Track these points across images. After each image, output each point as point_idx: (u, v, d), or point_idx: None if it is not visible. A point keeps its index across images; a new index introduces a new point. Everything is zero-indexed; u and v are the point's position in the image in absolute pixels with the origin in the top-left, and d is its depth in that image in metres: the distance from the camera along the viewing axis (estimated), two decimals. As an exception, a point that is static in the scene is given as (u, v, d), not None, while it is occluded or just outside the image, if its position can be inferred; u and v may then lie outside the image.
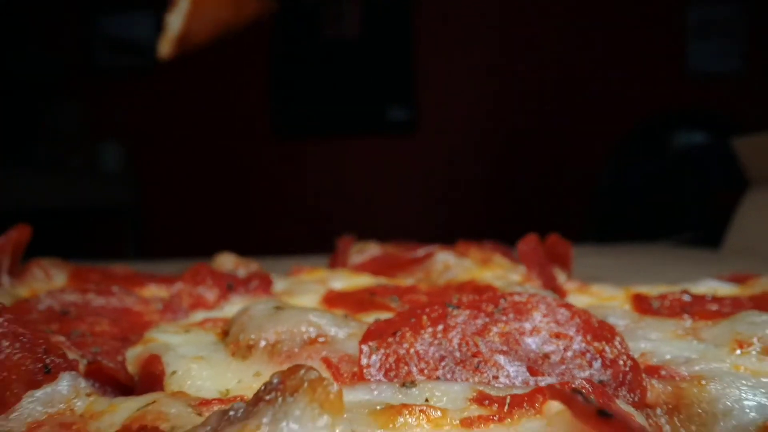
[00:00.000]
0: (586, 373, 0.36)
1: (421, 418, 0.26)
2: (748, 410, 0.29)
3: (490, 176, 4.14)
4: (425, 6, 4.12)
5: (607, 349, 0.37)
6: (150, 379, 0.37)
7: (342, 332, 0.40)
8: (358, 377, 0.35)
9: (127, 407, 0.29)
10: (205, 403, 0.29)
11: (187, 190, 4.27)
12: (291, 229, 4.11)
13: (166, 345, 0.41)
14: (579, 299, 0.63)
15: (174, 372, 0.36)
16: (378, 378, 0.34)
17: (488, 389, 0.31)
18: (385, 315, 0.46)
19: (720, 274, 0.75)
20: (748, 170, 1.68)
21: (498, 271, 0.78)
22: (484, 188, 4.14)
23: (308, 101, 4.22)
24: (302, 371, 0.23)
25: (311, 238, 3.12)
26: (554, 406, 0.27)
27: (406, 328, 0.37)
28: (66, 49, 4.18)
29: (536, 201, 4.07)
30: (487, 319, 0.39)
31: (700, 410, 0.30)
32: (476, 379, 0.35)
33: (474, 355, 0.36)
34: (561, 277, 0.75)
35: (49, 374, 0.30)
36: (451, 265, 0.80)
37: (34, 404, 0.28)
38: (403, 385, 0.32)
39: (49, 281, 0.69)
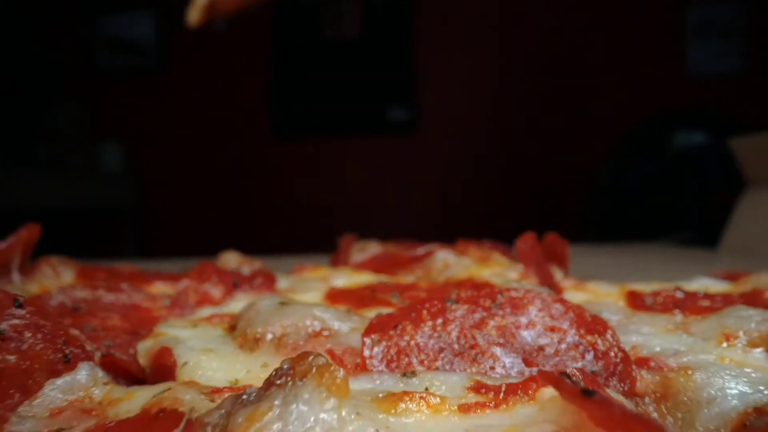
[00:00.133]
0: (579, 364, 0.37)
1: (421, 404, 0.28)
2: (730, 398, 0.31)
3: (490, 176, 4.15)
4: (425, 6, 4.13)
5: (599, 341, 0.39)
6: (162, 370, 0.39)
7: (345, 326, 0.42)
8: (361, 368, 0.37)
9: (143, 395, 0.30)
10: (217, 391, 0.31)
11: (187, 190, 4.28)
12: (291, 229, 4.13)
13: (176, 338, 0.43)
14: (575, 296, 0.65)
15: (185, 363, 0.37)
16: (380, 369, 0.36)
17: (485, 379, 0.33)
18: (386, 310, 0.47)
19: (713, 272, 0.77)
20: (746, 170, 1.70)
21: (496, 269, 0.80)
22: (484, 188, 4.15)
23: (308, 101, 4.23)
24: (311, 357, 0.24)
25: (311, 238, 3.14)
26: (547, 393, 0.29)
27: (406, 321, 0.39)
28: (66, 49, 4.19)
29: (536, 201, 4.08)
30: (485, 314, 0.40)
31: (685, 398, 0.32)
32: (474, 369, 0.36)
33: (472, 347, 0.38)
34: (558, 274, 0.76)
35: (69, 364, 0.32)
36: (450, 263, 0.81)
37: (55, 392, 0.30)
38: (404, 375, 0.34)
39: (58, 278, 0.70)
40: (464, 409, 0.28)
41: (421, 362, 0.37)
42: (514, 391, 0.30)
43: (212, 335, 0.45)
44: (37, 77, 4.00)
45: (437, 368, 0.36)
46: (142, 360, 0.42)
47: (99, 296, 0.53)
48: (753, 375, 0.33)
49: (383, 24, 4.20)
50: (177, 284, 0.63)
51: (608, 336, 0.39)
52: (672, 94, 3.99)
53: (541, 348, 0.39)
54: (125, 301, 0.55)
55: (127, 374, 0.40)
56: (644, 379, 0.35)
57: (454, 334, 0.39)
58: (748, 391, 0.31)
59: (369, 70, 4.21)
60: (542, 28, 4.09)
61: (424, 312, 0.40)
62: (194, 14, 0.87)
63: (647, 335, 0.43)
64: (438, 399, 0.29)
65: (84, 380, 0.31)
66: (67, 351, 0.32)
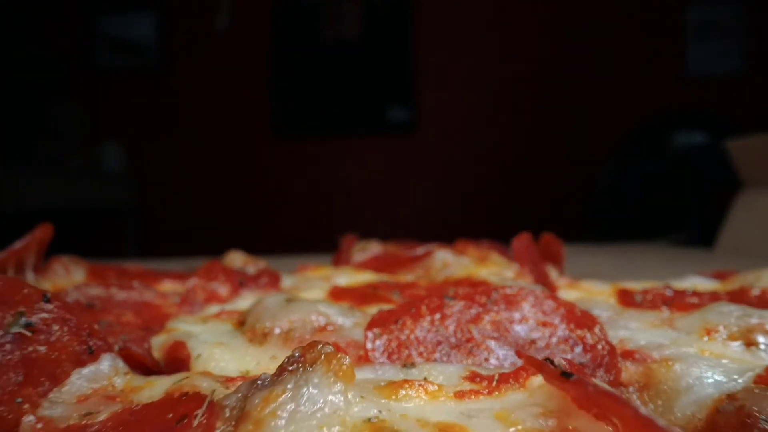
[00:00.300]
0: (569, 357, 0.40)
1: (419, 390, 0.30)
2: (706, 386, 0.33)
3: (489, 176, 4.17)
4: (425, 6, 4.14)
5: (587, 335, 0.41)
6: (176, 362, 0.41)
7: (348, 321, 0.44)
8: (364, 360, 0.39)
9: (162, 383, 0.33)
10: (231, 379, 0.33)
11: (188, 190, 4.29)
12: (291, 229, 4.14)
13: (188, 333, 0.45)
14: (569, 294, 0.67)
15: (199, 355, 0.40)
16: (381, 360, 0.39)
17: (480, 369, 0.35)
18: (387, 307, 0.50)
19: (703, 271, 0.79)
20: (741, 172, 1.72)
21: (494, 268, 0.82)
22: (484, 188, 4.17)
23: (308, 101, 4.25)
24: (320, 346, 0.27)
25: (311, 238, 3.16)
26: (536, 381, 0.31)
27: (406, 316, 0.41)
28: (66, 50, 4.20)
29: (536, 201, 4.10)
30: (480, 309, 0.43)
31: (666, 387, 0.34)
32: (469, 361, 0.39)
33: (468, 341, 0.40)
34: (553, 273, 0.79)
35: (92, 355, 0.34)
36: (449, 262, 0.84)
37: (81, 380, 0.32)
38: (404, 366, 0.36)
39: (69, 277, 0.73)
40: (459, 395, 0.30)
41: (420, 354, 0.39)
42: (506, 379, 0.32)
43: (222, 330, 0.47)
44: (38, 77, 4.01)
45: (435, 360, 0.39)
46: (157, 353, 0.44)
47: (112, 294, 0.56)
48: (729, 365, 0.36)
49: (383, 24, 4.22)
50: (185, 282, 0.65)
51: (596, 330, 0.41)
52: (672, 95, 4.01)
53: (533, 341, 0.41)
54: (137, 298, 0.57)
55: (141, 367, 0.43)
56: (629, 370, 0.37)
57: (451, 328, 0.41)
58: (723, 380, 0.34)
59: (369, 70, 4.23)
60: (542, 29, 4.10)
61: (423, 308, 0.42)
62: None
63: (634, 330, 0.45)
64: (435, 386, 0.31)
65: (107, 370, 0.34)
66: (91, 343, 0.34)
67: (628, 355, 0.40)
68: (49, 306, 0.33)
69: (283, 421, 0.24)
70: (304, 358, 0.26)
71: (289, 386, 0.25)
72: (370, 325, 0.41)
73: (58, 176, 3.62)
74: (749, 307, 0.46)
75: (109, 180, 4.07)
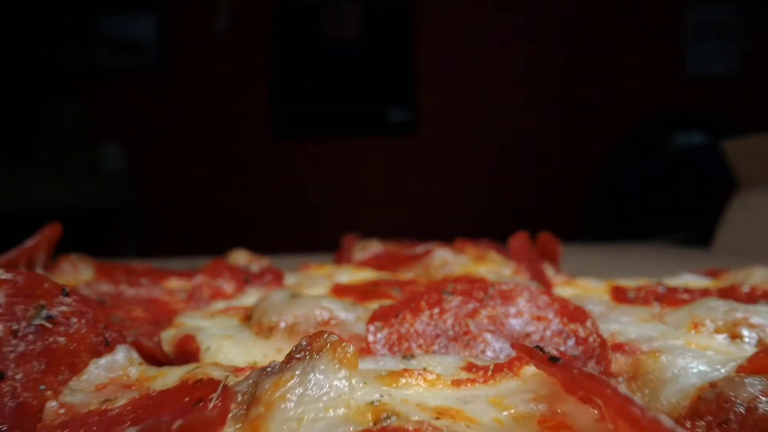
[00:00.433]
0: (562, 349, 0.41)
1: (419, 379, 0.32)
2: (691, 376, 0.35)
3: (489, 176, 4.19)
4: (425, 6, 4.16)
5: (580, 329, 0.43)
6: (186, 355, 0.43)
7: (351, 316, 0.46)
8: (365, 352, 0.41)
9: (174, 373, 0.35)
10: (239, 369, 0.35)
11: (188, 190, 4.30)
12: (291, 229, 4.16)
13: (197, 327, 0.47)
14: (564, 290, 0.69)
15: (208, 348, 0.42)
16: (383, 352, 0.40)
17: (476, 360, 0.37)
18: (388, 303, 0.52)
19: (696, 269, 0.81)
20: (738, 172, 1.74)
21: (492, 266, 0.84)
22: (484, 188, 4.19)
23: (309, 102, 4.26)
24: (326, 335, 0.29)
25: (311, 237, 3.18)
26: (529, 370, 0.33)
27: (407, 311, 0.43)
28: (67, 50, 4.20)
29: (536, 201, 4.11)
30: (478, 304, 0.45)
31: (653, 377, 0.36)
32: (467, 353, 0.41)
33: (465, 334, 0.42)
34: (550, 271, 0.81)
35: (108, 346, 0.36)
36: (448, 261, 0.85)
37: (98, 370, 0.34)
38: (404, 357, 0.38)
39: (77, 274, 0.74)
40: (456, 383, 0.32)
41: (420, 347, 0.41)
42: (500, 369, 0.34)
43: (229, 325, 0.49)
44: (38, 77, 4.01)
45: (434, 352, 0.40)
46: (167, 347, 0.46)
47: (121, 291, 0.58)
48: (714, 357, 0.38)
49: (383, 24, 4.23)
50: (191, 280, 0.67)
51: (588, 324, 0.43)
52: (671, 95, 4.02)
53: (528, 335, 0.43)
54: (145, 295, 0.59)
55: (152, 359, 0.45)
56: (618, 362, 0.39)
57: (449, 322, 0.43)
58: (707, 370, 0.35)
59: (369, 70, 4.24)
60: (542, 29, 4.12)
61: (423, 302, 0.44)
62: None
63: (625, 324, 0.47)
64: (434, 375, 0.33)
65: (122, 361, 0.35)
66: (107, 335, 0.36)
67: (619, 347, 0.42)
68: (68, 300, 0.35)
69: (292, 404, 0.25)
70: (311, 346, 0.28)
71: (297, 372, 0.27)
72: (372, 319, 0.43)
73: (59, 176, 3.62)
74: (736, 302, 0.48)
75: (109, 180, 4.07)
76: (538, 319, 0.44)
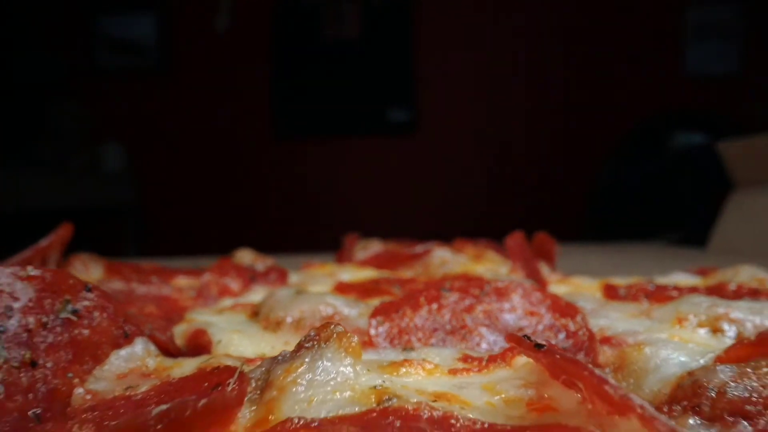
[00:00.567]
0: (553, 342, 0.44)
1: (418, 368, 0.35)
2: (672, 366, 0.37)
3: (489, 176, 4.21)
4: (425, 6, 4.18)
5: (570, 324, 0.46)
6: (198, 348, 0.46)
7: (353, 311, 0.49)
8: (367, 345, 0.43)
9: (190, 363, 0.37)
10: (250, 360, 0.37)
11: (188, 190, 4.32)
12: (291, 229, 4.18)
13: (207, 322, 0.49)
14: (559, 288, 0.72)
15: (219, 341, 0.44)
16: (384, 345, 0.43)
17: (472, 352, 0.40)
18: (388, 299, 0.54)
19: (688, 268, 0.83)
20: (733, 173, 1.77)
21: (489, 265, 0.86)
22: (484, 188, 4.20)
23: (309, 102, 4.28)
24: (332, 326, 0.31)
25: (311, 238, 3.20)
26: (521, 360, 0.36)
27: (406, 306, 0.46)
28: (67, 50, 4.22)
29: (536, 201, 4.13)
30: (474, 300, 0.47)
31: (636, 368, 0.39)
32: (463, 345, 0.43)
33: (462, 327, 0.45)
34: (545, 270, 0.83)
35: (127, 338, 0.38)
36: (447, 260, 0.88)
37: (119, 360, 0.37)
38: (404, 349, 0.41)
39: (88, 273, 0.77)
40: (453, 372, 0.35)
41: (419, 340, 0.44)
42: (494, 360, 0.36)
43: (238, 320, 0.51)
44: (38, 78, 4.03)
45: (432, 344, 0.43)
46: (179, 341, 0.48)
47: (133, 288, 0.60)
48: (694, 349, 0.40)
49: (383, 25, 4.25)
50: (199, 278, 0.69)
51: (578, 319, 0.46)
52: (671, 95, 4.04)
53: (521, 329, 0.46)
54: (156, 292, 0.62)
55: (165, 352, 0.47)
56: (605, 353, 0.42)
57: (447, 316, 0.45)
58: (687, 360, 0.38)
59: (369, 70, 4.26)
60: (542, 29, 4.14)
61: (422, 298, 0.47)
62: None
63: (614, 319, 0.50)
64: (432, 365, 0.35)
65: (140, 352, 0.38)
66: (126, 328, 0.38)
67: (606, 340, 0.44)
68: (91, 295, 0.37)
69: (302, 387, 0.28)
70: (319, 336, 0.31)
71: (306, 360, 0.29)
72: (374, 314, 0.45)
73: (59, 176, 3.63)
74: (719, 298, 0.50)
75: (109, 180, 4.08)
76: (531, 314, 0.47)
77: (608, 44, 4.08)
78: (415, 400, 0.27)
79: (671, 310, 0.49)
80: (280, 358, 0.31)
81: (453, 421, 0.24)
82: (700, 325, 0.46)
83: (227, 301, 0.62)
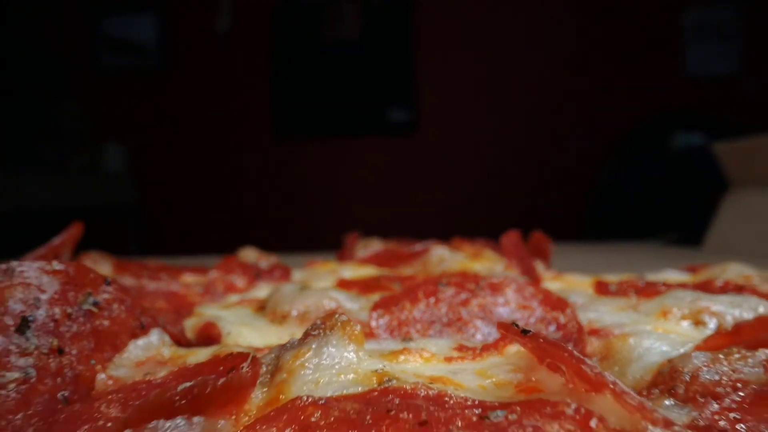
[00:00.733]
0: (544, 333, 0.47)
1: (416, 356, 0.37)
2: (654, 355, 0.40)
3: (489, 176, 4.23)
4: (425, 6, 4.19)
5: (560, 317, 0.48)
6: (208, 340, 0.48)
7: (355, 305, 0.51)
8: (369, 336, 0.46)
9: (204, 351, 0.40)
10: (259, 350, 0.40)
11: (189, 191, 4.34)
12: (291, 228, 4.20)
13: (216, 316, 0.52)
14: (552, 284, 0.74)
15: (228, 333, 0.47)
16: (384, 336, 0.46)
17: (467, 343, 0.42)
18: (389, 294, 0.57)
19: (679, 266, 0.86)
20: (729, 173, 1.79)
21: (486, 263, 0.89)
22: (484, 188, 4.22)
23: (309, 102, 4.29)
24: (337, 315, 0.34)
25: (311, 237, 3.22)
26: (513, 349, 0.38)
27: (406, 300, 0.48)
28: (68, 50, 4.24)
29: (536, 201, 4.15)
30: (469, 294, 0.50)
31: (621, 357, 0.41)
32: (459, 337, 0.46)
33: (458, 320, 0.47)
34: (540, 267, 0.86)
35: (143, 329, 0.41)
36: (445, 258, 0.90)
37: (136, 350, 0.39)
38: (404, 340, 0.43)
39: (98, 271, 0.79)
40: (448, 359, 0.37)
41: (417, 331, 0.46)
42: (487, 348, 0.39)
43: (244, 314, 0.54)
44: (40, 78, 4.04)
45: (430, 336, 0.46)
46: (189, 333, 0.51)
47: (143, 284, 0.63)
48: (676, 339, 0.43)
49: (383, 25, 4.26)
50: (206, 275, 0.72)
51: (568, 312, 0.48)
52: (671, 95, 4.05)
53: (514, 321, 0.48)
54: (165, 288, 0.64)
55: (177, 344, 0.50)
56: (593, 344, 0.44)
57: (443, 309, 0.48)
58: (668, 350, 0.40)
59: (369, 71, 4.27)
60: (542, 29, 4.15)
61: (420, 293, 0.49)
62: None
63: (602, 313, 0.52)
64: (429, 354, 0.38)
65: (156, 342, 0.41)
66: (142, 320, 0.41)
67: (594, 332, 0.47)
68: (110, 288, 0.40)
69: (310, 371, 0.31)
70: (324, 325, 0.33)
71: (313, 346, 0.32)
72: (375, 307, 0.48)
73: (59, 176, 3.64)
74: (703, 293, 0.53)
75: (110, 180, 4.09)
76: (524, 307, 0.49)
77: (608, 44, 4.09)
78: (413, 381, 0.30)
79: (657, 304, 0.51)
80: (288, 345, 0.33)
81: (447, 399, 0.27)
82: (684, 317, 0.48)
83: (233, 297, 0.65)
